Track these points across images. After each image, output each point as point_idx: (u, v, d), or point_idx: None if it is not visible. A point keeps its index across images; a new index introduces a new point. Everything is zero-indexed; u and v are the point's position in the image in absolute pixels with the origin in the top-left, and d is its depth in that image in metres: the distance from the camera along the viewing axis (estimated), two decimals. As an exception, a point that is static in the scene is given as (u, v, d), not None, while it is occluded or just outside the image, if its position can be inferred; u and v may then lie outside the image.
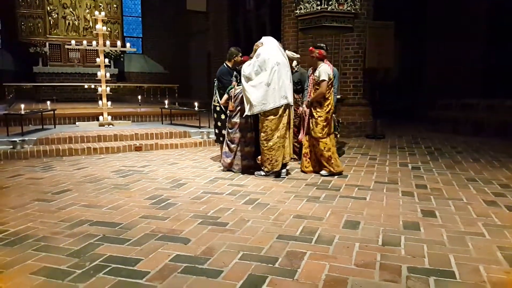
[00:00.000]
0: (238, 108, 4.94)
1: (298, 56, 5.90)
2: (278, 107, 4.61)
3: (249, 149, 5.01)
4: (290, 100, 4.71)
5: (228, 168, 5.08)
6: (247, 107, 4.70)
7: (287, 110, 4.72)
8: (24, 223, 3.19)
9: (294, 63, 5.76)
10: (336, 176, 4.80)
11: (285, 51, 5.13)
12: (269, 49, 4.71)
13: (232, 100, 5.00)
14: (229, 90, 5.12)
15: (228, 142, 5.07)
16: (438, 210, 3.48)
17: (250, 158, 5.05)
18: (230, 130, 5.04)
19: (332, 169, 4.82)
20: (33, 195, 3.98)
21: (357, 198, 3.85)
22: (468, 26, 9.95)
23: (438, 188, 4.25)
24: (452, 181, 4.54)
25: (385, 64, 8.23)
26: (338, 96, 6.27)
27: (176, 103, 10.70)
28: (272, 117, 4.64)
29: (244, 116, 4.84)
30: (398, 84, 10.86)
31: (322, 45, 5.17)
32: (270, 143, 4.67)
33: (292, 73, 5.74)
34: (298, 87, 5.69)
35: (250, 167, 5.03)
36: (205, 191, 4.13)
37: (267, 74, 4.58)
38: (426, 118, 9.86)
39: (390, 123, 9.42)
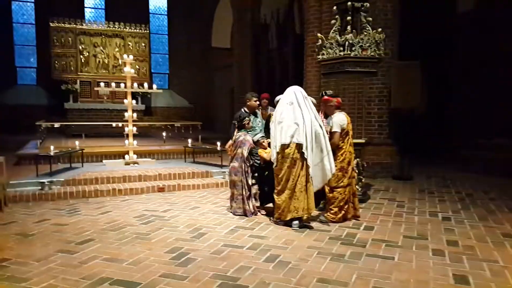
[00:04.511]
0: (235, 152, 5.18)
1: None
2: (284, 144, 4.53)
3: (247, 192, 5.15)
4: (300, 140, 4.48)
5: (233, 212, 5.27)
6: (274, 151, 4.73)
7: (298, 160, 4.52)
8: (47, 279, 3.20)
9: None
10: (361, 228, 4.64)
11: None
12: (283, 95, 4.80)
13: (233, 145, 5.26)
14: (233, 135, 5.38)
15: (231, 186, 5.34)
16: (472, 275, 3.27)
17: (249, 201, 5.18)
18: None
19: (334, 219, 4.80)
20: (57, 245, 4.00)
21: (385, 258, 3.68)
22: (501, 62, 9.69)
23: (470, 245, 4.02)
24: (486, 237, 4.29)
25: (411, 103, 8.11)
26: (363, 140, 6.19)
27: (200, 137, 10.82)
28: (282, 163, 4.57)
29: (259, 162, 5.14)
30: (427, 121, 10.61)
31: (330, 92, 5.25)
32: (280, 194, 4.62)
33: None
34: None
35: (248, 211, 5.14)
36: (225, 244, 4.06)
37: (279, 112, 4.67)
38: (456, 157, 9.55)
39: (418, 162, 9.16)
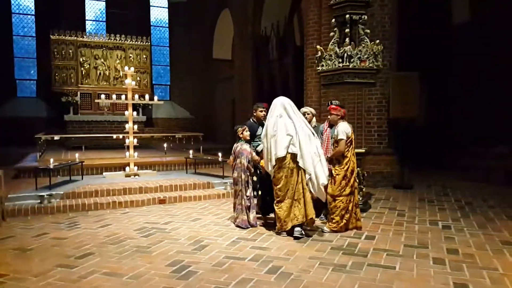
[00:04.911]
0: (234, 162, 5.22)
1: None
2: (280, 157, 4.58)
3: (247, 203, 5.15)
4: (294, 150, 4.58)
5: (234, 221, 5.28)
6: (268, 164, 4.78)
7: (295, 168, 4.61)
8: (45, 295, 3.18)
9: (314, 119, 5.82)
10: (363, 238, 4.64)
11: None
12: (271, 108, 4.86)
13: (233, 156, 5.28)
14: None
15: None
16: (472, 283, 3.27)
17: (248, 211, 5.16)
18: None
19: (336, 228, 4.83)
20: (56, 260, 3.98)
21: (386, 267, 3.67)
22: (499, 68, 9.72)
23: (470, 253, 4.02)
24: (485, 245, 4.30)
25: (410, 113, 8.13)
26: (363, 150, 6.22)
27: (201, 148, 10.85)
28: (279, 173, 4.62)
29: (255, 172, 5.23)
30: (426, 131, 10.64)
31: (337, 102, 5.33)
32: (280, 203, 4.66)
33: None
34: None
35: (245, 221, 5.12)
36: (227, 256, 4.05)
37: (271, 126, 4.70)
38: (456, 166, 9.55)
39: (419, 171, 9.16)
